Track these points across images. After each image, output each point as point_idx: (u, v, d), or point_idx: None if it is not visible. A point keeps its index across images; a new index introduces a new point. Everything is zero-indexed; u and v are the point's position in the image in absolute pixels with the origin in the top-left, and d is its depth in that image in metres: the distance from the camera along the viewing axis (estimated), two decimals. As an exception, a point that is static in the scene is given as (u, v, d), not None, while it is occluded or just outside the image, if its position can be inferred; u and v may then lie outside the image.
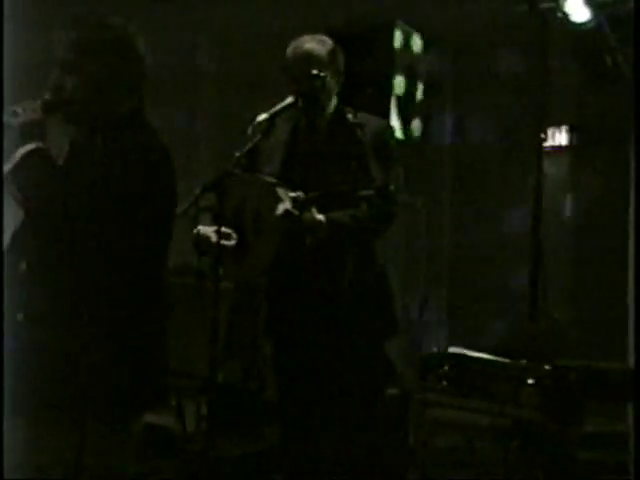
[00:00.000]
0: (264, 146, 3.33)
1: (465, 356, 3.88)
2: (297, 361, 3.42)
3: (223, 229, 3.11)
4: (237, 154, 3.19)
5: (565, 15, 4.71)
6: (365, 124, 3.33)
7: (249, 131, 3.32)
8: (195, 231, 3.28)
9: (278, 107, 3.30)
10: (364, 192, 3.06)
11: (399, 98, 4.25)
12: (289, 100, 3.31)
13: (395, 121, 4.23)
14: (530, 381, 3.62)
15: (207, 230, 3.25)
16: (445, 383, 3.85)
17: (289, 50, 3.36)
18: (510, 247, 5.64)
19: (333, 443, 3.47)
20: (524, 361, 3.76)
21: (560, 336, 4.64)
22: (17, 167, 2.23)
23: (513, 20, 4.92)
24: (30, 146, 2.25)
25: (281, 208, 3.11)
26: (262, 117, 3.28)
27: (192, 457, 4.13)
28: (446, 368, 3.86)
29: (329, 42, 3.37)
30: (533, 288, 4.93)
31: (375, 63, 4.12)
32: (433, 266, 5.64)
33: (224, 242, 3.12)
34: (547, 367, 3.65)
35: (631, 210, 4.50)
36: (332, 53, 3.35)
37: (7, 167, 2.24)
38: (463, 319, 5.42)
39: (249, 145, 3.24)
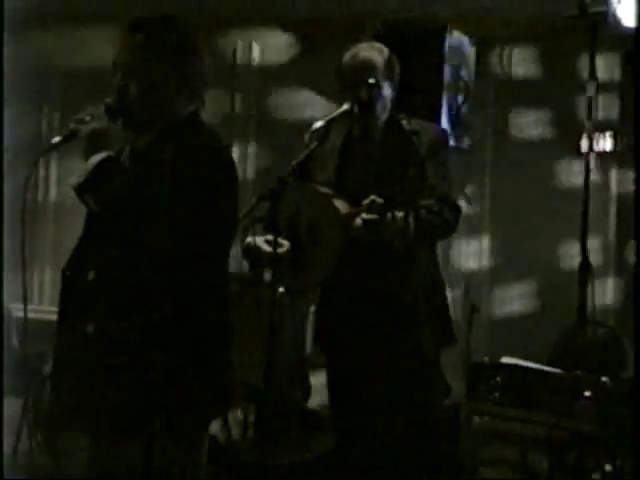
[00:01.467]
0: (318, 153, 3.29)
1: (518, 366, 3.82)
2: (351, 370, 3.38)
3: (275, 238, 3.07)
4: (294, 162, 3.16)
5: (616, 19, 4.64)
6: (420, 131, 3.29)
7: (306, 138, 3.29)
8: (246, 242, 3.24)
9: (334, 114, 3.26)
10: (425, 202, 3.01)
11: (449, 104, 4.20)
12: (345, 107, 3.27)
13: (446, 127, 4.18)
14: (587, 393, 3.57)
15: (258, 241, 3.21)
16: (497, 394, 3.80)
17: (346, 57, 3.31)
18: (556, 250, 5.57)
19: (385, 452, 3.44)
20: (579, 372, 3.70)
21: (615, 345, 4.55)
22: (93, 177, 2.21)
23: (563, 24, 4.83)
24: (102, 155, 2.23)
25: (358, 220, 3.07)
26: (318, 124, 3.25)
27: (238, 465, 4.10)
28: (498, 379, 3.81)
29: (386, 50, 3.32)
30: (582, 296, 4.85)
31: (424, 69, 4.05)
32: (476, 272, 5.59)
33: (278, 250, 3.08)
34: (604, 379, 3.59)
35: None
36: (389, 62, 3.31)
37: (80, 177, 2.21)
38: (509, 328, 5.35)
39: (305, 152, 3.21)
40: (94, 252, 2.29)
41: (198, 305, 2.29)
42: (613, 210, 5.79)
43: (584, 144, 5.70)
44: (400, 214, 3.05)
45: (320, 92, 5.89)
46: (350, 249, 3.17)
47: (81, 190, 2.22)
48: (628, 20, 4.61)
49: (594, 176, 5.50)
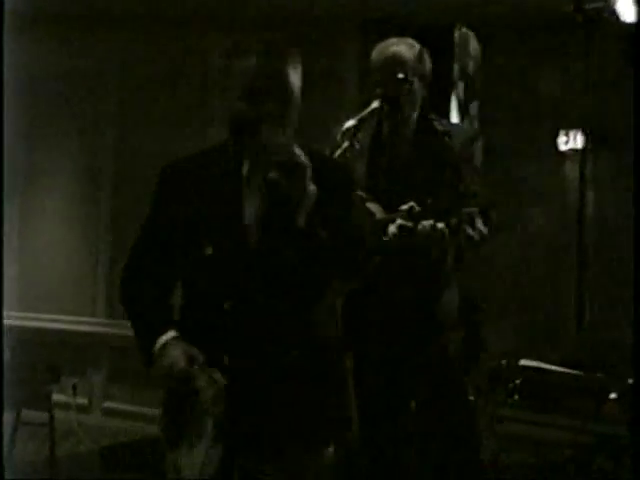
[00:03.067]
0: (348, 153, 3.16)
1: (538, 369, 3.74)
2: (377, 373, 3.28)
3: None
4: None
5: (615, 15, 4.61)
6: (452, 132, 3.19)
7: (337, 138, 3.15)
8: None
9: (364, 112, 3.14)
10: (468, 210, 2.91)
11: (459, 102, 4.11)
12: (375, 105, 3.15)
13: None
14: (612, 395, 3.51)
15: None
16: (517, 397, 3.72)
17: (375, 53, 3.20)
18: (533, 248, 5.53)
19: (407, 457, 3.36)
20: (602, 374, 3.64)
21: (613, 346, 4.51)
22: None
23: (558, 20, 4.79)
24: None
25: (393, 226, 2.94)
26: (350, 123, 3.12)
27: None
28: (517, 382, 3.73)
29: (416, 45, 3.22)
30: (580, 297, 4.82)
31: (434, 65, 3.94)
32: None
33: None
34: (630, 381, 3.53)
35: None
36: (420, 57, 3.20)
37: None
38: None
39: (337, 153, 3.08)
40: (259, 282, 2.21)
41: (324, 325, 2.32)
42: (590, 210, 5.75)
43: (561, 141, 5.75)
44: (440, 224, 2.94)
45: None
46: (382, 255, 3.05)
47: None
48: (628, 16, 4.58)
49: (574, 174, 5.54)
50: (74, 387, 5.57)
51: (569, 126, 5.52)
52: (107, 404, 6.01)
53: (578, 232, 4.91)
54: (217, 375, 2.12)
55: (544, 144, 5.64)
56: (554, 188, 5.66)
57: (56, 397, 4.73)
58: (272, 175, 2.10)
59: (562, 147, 5.70)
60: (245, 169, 2.25)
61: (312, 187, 2.11)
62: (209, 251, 2.18)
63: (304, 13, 5.30)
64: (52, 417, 4.35)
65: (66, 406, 5.41)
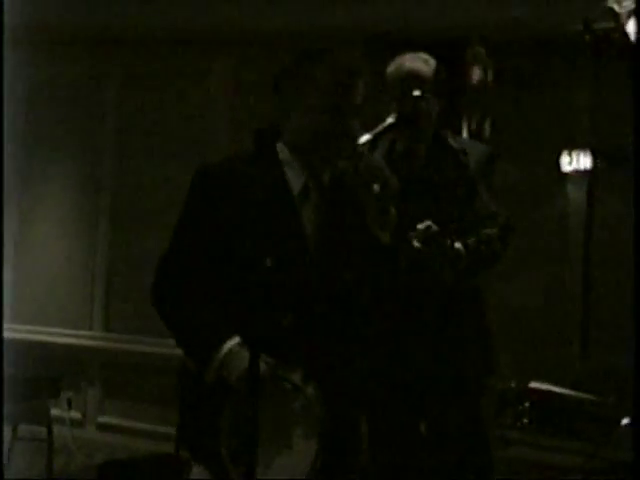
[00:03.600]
0: (361, 169, 3.11)
1: (548, 392, 3.69)
2: (387, 398, 3.21)
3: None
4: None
5: (625, 36, 4.58)
6: (468, 150, 3.14)
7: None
8: None
9: (380, 128, 3.07)
10: (488, 231, 2.86)
11: (470, 119, 4.07)
12: (390, 120, 3.09)
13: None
14: (625, 421, 3.46)
15: None
16: (526, 420, 3.66)
17: (391, 68, 3.14)
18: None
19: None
20: (614, 398, 3.59)
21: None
22: None
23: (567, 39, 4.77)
24: None
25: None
26: (365, 138, 3.05)
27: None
28: (527, 404, 3.67)
29: (432, 61, 3.15)
30: (585, 325, 4.78)
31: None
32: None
33: None
34: None
35: None
36: (436, 73, 3.14)
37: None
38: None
39: (354, 168, 3.02)
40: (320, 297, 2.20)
41: None
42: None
43: (564, 162, 5.72)
44: (458, 244, 2.89)
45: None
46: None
47: None
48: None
49: (576, 195, 5.51)
50: (69, 401, 5.50)
51: (573, 146, 5.49)
52: (102, 419, 5.91)
53: (584, 254, 4.88)
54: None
55: (547, 164, 5.61)
56: (558, 209, 5.62)
57: (51, 411, 4.64)
58: (376, 190, 2.20)
59: (566, 168, 5.67)
60: (300, 179, 2.24)
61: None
62: (268, 263, 1.98)
63: (309, 28, 5.27)
64: (50, 432, 4.25)
65: (60, 420, 5.33)
